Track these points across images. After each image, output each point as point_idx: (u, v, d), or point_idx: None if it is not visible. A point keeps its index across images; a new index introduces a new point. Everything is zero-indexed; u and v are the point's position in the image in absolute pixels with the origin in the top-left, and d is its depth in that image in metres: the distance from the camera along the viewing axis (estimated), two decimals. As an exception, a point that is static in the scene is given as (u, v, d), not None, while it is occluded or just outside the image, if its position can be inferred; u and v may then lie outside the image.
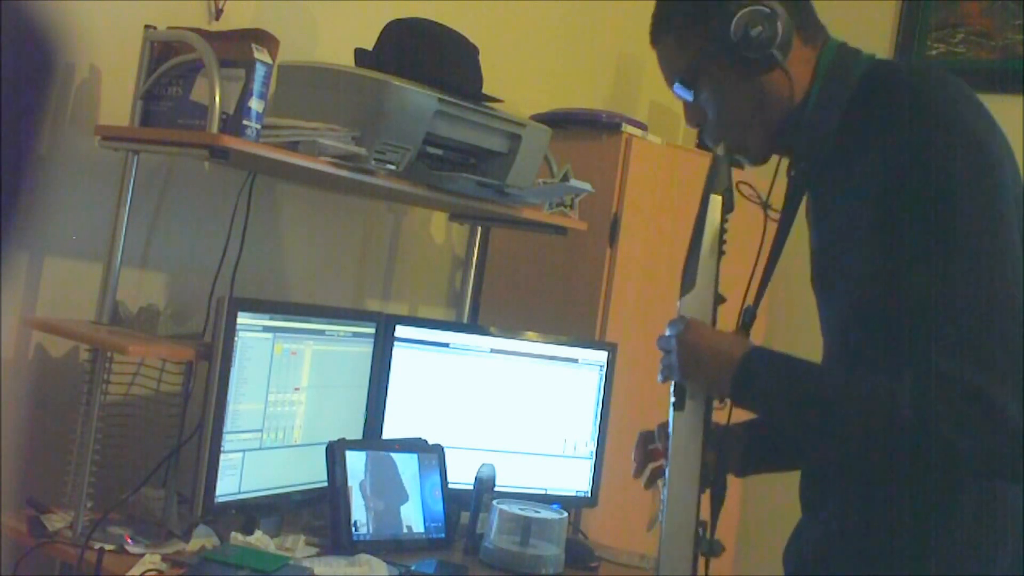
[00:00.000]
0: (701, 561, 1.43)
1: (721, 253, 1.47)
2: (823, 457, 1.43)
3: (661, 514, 1.45)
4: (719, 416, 1.47)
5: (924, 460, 1.24)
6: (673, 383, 1.46)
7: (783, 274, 1.54)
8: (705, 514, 1.44)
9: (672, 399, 1.46)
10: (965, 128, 1.29)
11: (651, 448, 1.59)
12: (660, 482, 1.51)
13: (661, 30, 1.51)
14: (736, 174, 1.50)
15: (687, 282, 1.47)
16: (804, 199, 1.48)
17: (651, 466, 1.59)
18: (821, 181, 1.43)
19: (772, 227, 1.48)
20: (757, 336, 1.48)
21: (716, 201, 1.48)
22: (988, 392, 1.19)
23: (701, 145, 3.13)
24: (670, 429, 1.46)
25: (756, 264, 1.49)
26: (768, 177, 1.50)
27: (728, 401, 1.44)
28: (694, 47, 1.44)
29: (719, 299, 1.46)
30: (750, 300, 1.49)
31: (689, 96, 1.47)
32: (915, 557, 1.32)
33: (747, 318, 1.47)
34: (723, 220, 1.48)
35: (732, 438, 1.55)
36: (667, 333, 1.45)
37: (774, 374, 1.36)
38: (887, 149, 1.29)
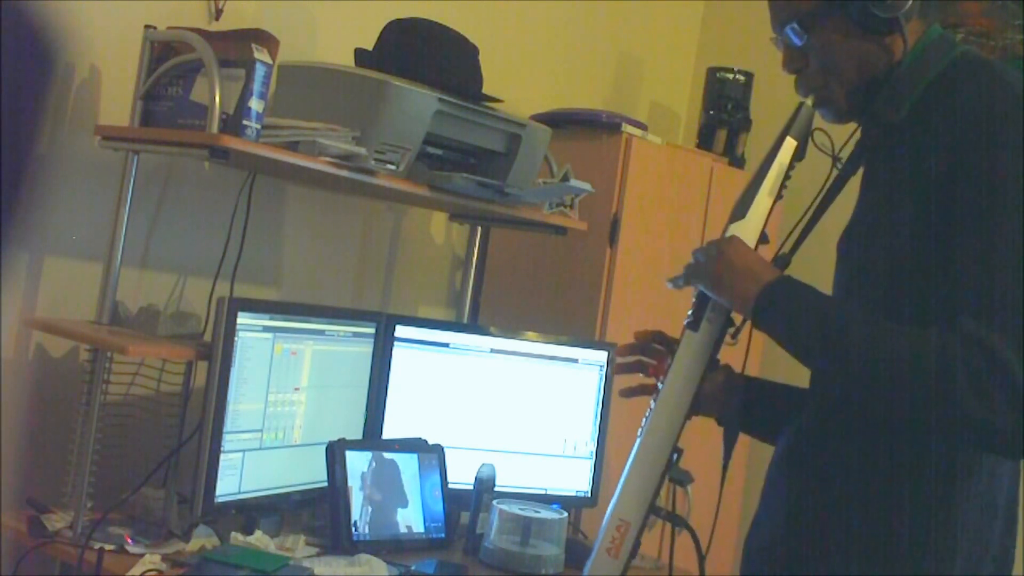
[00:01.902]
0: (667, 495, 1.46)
1: (779, 196, 1.49)
2: (825, 399, 1.43)
3: (641, 429, 1.46)
4: (734, 360, 1.47)
5: (936, 411, 1.25)
6: (694, 301, 1.47)
7: (819, 236, 1.54)
8: (684, 443, 1.45)
9: (688, 319, 1.47)
10: None
11: (646, 343, 1.58)
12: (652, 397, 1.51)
13: None
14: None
15: (738, 212, 1.49)
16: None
17: (642, 382, 1.59)
18: (883, 150, 1.44)
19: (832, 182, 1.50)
20: None
21: (790, 144, 1.50)
22: (1008, 360, 1.20)
23: (702, 145, 3.13)
24: (678, 348, 1.47)
25: (804, 214, 1.50)
26: (843, 135, 1.50)
27: (737, 339, 1.45)
28: None
29: (763, 238, 1.48)
30: (787, 248, 1.50)
31: (799, 41, 1.44)
32: (870, 558, 1.33)
33: (780, 264, 1.48)
34: (791, 166, 1.49)
35: (736, 386, 1.57)
36: (706, 244, 1.46)
37: (800, 301, 1.36)
38: (956, 128, 1.31)
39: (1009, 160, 1.27)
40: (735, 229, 1.48)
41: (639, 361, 1.61)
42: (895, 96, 1.40)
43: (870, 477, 1.35)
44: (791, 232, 1.51)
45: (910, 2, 1.39)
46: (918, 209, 1.32)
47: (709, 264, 1.43)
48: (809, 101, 1.49)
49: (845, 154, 1.51)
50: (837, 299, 1.41)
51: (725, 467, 1.50)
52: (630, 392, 1.61)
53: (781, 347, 1.39)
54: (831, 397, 1.41)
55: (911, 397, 1.26)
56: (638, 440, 1.46)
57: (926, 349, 1.24)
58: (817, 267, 1.58)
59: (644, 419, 1.48)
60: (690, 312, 1.48)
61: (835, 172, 1.50)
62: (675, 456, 1.44)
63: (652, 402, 1.49)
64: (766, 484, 1.50)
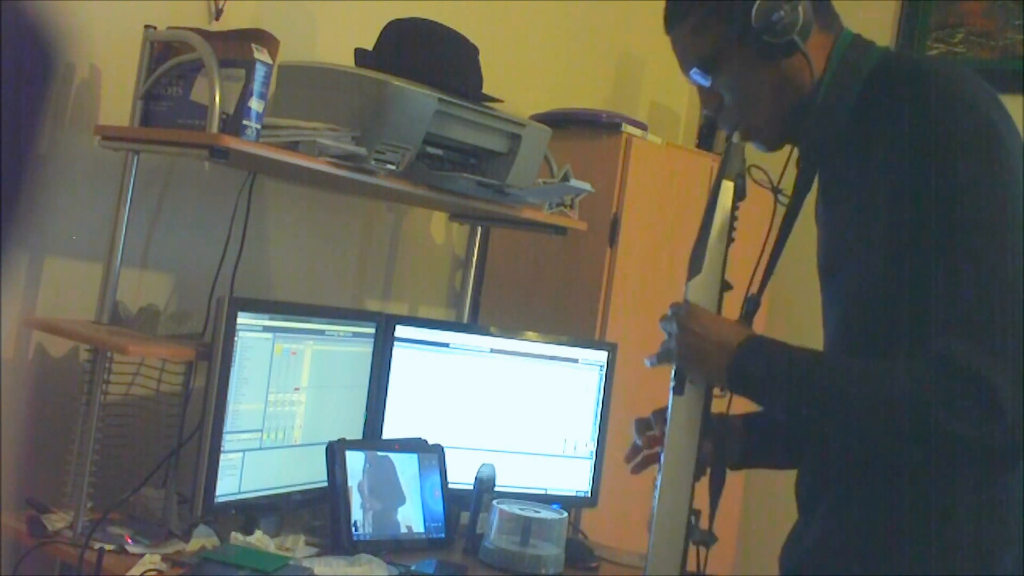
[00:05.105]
0: (693, 550, 1.43)
1: (730, 240, 1.47)
2: (824, 448, 1.42)
3: (654, 500, 1.44)
4: (718, 405, 1.46)
5: (922, 442, 1.24)
6: (674, 367, 1.45)
7: (787, 264, 1.53)
8: (701, 504, 1.44)
9: (672, 383, 1.45)
10: (981, 119, 1.29)
11: (648, 435, 1.57)
12: (656, 467, 1.50)
13: (678, 16, 1.48)
14: (749, 158, 1.50)
15: (694, 267, 1.47)
16: (813, 188, 1.48)
17: (645, 452, 1.58)
18: (833, 168, 1.43)
19: (781, 213, 1.48)
20: (758, 326, 1.46)
21: (728, 187, 1.48)
22: (989, 378, 1.19)
23: (702, 145, 3.13)
24: (668, 414, 1.45)
25: (762, 252, 1.48)
26: (779, 164, 1.49)
27: (725, 392, 1.44)
28: (714, 32, 1.43)
29: (726, 286, 1.46)
30: (754, 288, 1.48)
31: (706, 82, 1.45)
32: (912, 557, 1.31)
33: (750, 306, 1.47)
34: (734, 207, 1.47)
35: (730, 429, 1.55)
36: (669, 315, 1.44)
37: (771, 363, 1.35)
38: (902, 137, 1.30)
39: (963, 167, 1.26)
40: (695, 286, 1.46)
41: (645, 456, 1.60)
42: (825, 116, 1.39)
43: (911, 475, 1.32)
44: (754, 272, 1.49)
45: (800, 22, 1.38)
46: (887, 231, 1.31)
47: (674, 342, 1.42)
48: (736, 137, 1.48)
49: (786, 183, 1.48)
50: (805, 352, 1.37)
51: (711, 519, 1.45)
52: (638, 468, 1.60)
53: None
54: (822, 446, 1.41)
55: (896, 438, 1.26)
56: (654, 507, 1.44)
57: (898, 387, 1.23)
58: (787, 299, 1.57)
59: (654, 489, 1.46)
60: (672, 376, 1.46)
61: (780, 205, 1.49)
62: (693, 519, 1.42)
63: (658, 474, 1.46)
64: (801, 493, 1.47)
